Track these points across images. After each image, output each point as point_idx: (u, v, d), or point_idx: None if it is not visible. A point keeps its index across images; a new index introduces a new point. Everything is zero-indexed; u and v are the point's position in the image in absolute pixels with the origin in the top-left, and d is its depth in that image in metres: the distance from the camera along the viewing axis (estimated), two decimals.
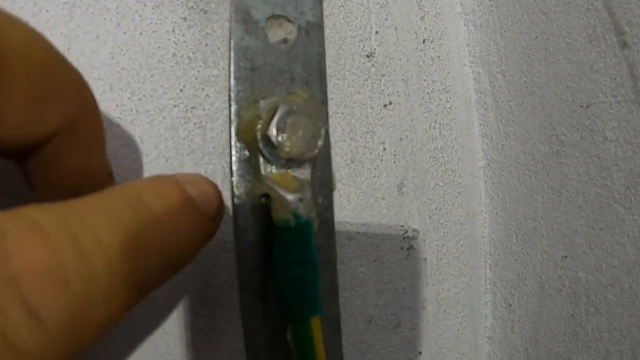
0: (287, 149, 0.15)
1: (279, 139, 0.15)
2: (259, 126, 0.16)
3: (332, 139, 0.21)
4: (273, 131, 0.15)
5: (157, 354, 0.18)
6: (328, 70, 0.21)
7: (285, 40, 0.17)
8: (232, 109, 0.16)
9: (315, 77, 0.17)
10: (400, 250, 0.23)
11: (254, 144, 0.16)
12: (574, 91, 0.22)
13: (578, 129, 0.22)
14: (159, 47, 0.19)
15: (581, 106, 0.22)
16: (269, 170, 0.16)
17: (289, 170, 0.16)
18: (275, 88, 0.17)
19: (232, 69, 0.16)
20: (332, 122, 0.21)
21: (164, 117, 0.19)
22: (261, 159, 0.16)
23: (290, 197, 0.15)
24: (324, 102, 0.17)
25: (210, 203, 0.13)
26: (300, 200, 0.16)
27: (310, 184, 0.16)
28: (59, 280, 0.08)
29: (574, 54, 0.22)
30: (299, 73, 0.17)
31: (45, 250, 0.08)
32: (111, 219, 0.10)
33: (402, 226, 0.23)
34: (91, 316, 0.09)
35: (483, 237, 0.26)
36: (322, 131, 0.16)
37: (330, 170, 0.17)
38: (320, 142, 0.16)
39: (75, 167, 0.12)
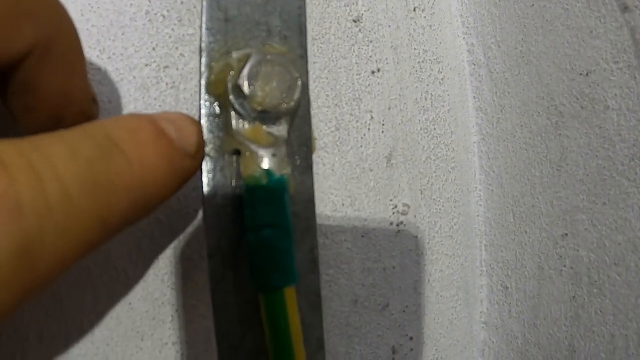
0: (259, 99, 0.14)
1: (250, 88, 0.14)
2: (229, 77, 0.14)
3: (315, 105, 0.20)
4: (244, 80, 0.14)
5: (121, 330, 0.16)
6: (312, 33, 0.20)
7: None
8: (203, 60, 0.15)
9: (295, 31, 0.16)
10: (390, 226, 0.21)
11: (224, 97, 0.15)
12: (573, 59, 0.21)
13: (578, 99, 0.21)
14: (131, 4, 0.18)
15: (581, 74, 0.21)
16: (240, 125, 0.15)
17: (264, 126, 0.15)
18: (249, 40, 0.15)
19: (203, 19, 0.15)
20: (316, 86, 0.20)
21: (134, 77, 0.17)
22: (232, 113, 0.15)
23: (261, 151, 0.14)
24: (303, 56, 0.16)
25: (188, 139, 0.12)
26: (274, 155, 0.14)
27: (286, 142, 0.15)
28: (13, 209, 0.08)
29: (572, 20, 0.21)
30: (276, 26, 0.16)
31: (1, 179, 0.08)
32: (71, 151, 0.09)
33: (391, 200, 0.21)
34: (46, 248, 0.08)
35: (478, 215, 0.24)
36: (299, 82, 0.15)
37: (309, 130, 0.16)
38: (296, 95, 0.15)
39: (54, 89, 0.12)
